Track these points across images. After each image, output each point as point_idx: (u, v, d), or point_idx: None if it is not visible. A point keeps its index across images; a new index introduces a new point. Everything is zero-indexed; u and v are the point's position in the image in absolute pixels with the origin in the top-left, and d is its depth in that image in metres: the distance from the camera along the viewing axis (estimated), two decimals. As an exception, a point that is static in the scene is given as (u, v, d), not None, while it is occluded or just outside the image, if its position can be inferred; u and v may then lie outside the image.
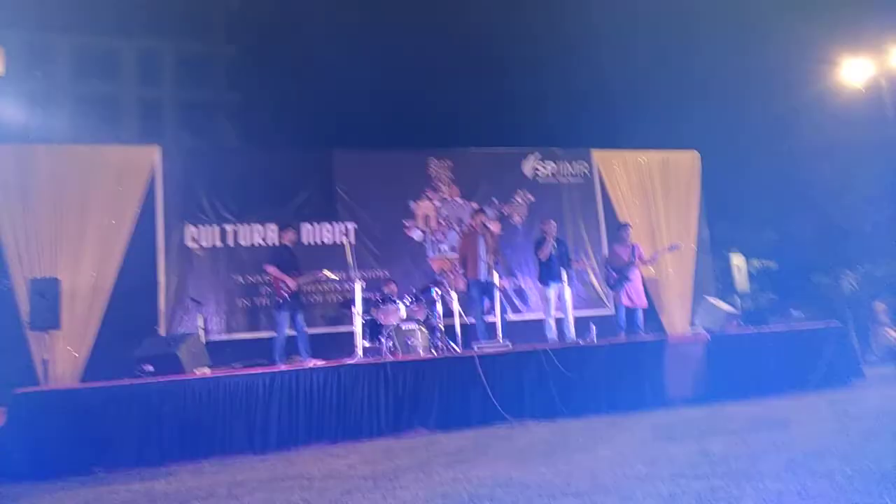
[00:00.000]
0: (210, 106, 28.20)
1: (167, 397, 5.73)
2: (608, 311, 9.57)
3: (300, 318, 7.67)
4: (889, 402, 6.28)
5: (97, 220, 8.08)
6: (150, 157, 8.61)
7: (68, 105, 26.23)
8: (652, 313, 9.77)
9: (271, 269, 7.59)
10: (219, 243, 8.70)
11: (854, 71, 11.82)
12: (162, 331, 8.08)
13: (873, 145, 13.02)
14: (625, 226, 9.06)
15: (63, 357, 7.58)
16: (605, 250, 9.70)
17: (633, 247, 8.76)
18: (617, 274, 8.62)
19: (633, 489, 3.32)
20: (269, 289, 8.34)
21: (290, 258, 7.69)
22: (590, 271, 9.88)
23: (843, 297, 12.61)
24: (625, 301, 8.56)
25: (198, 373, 6.26)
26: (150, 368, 6.19)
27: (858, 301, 12.46)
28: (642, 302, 8.58)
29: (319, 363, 6.54)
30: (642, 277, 8.77)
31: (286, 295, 7.50)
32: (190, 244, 8.58)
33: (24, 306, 7.34)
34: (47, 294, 7.03)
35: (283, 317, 7.55)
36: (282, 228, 8.01)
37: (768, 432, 4.83)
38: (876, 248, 13.61)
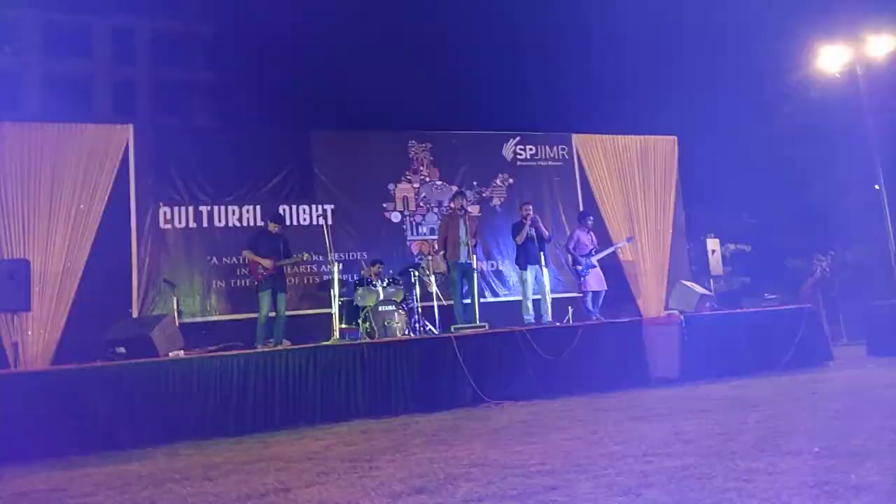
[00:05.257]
0: (185, 85, 27.64)
1: (141, 380, 5.66)
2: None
3: (281, 300, 7.63)
4: (856, 382, 6.42)
5: (68, 200, 7.91)
6: (123, 136, 8.43)
7: (39, 82, 25.56)
8: (628, 296, 9.88)
9: (247, 254, 7.64)
10: (193, 224, 8.57)
11: (830, 58, 11.93)
12: (135, 313, 7.97)
13: (848, 132, 13.21)
14: (587, 214, 9.28)
15: (34, 339, 7.45)
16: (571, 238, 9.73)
17: (592, 234, 9.01)
18: (584, 260, 8.78)
19: (606, 468, 3.36)
20: (246, 271, 8.30)
21: (268, 243, 7.64)
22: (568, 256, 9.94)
23: (816, 281, 12.85)
24: (592, 286, 8.73)
25: (172, 355, 6.19)
26: (123, 351, 6.10)
27: (830, 284, 12.72)
28: (604, 285, 8.80)
29: (291, 346, 6.51)
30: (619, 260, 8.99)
31: (263, 276, 7.49)
32: (163, 225, 8.44)
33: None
34: (17, 275, 6.87)
35: (264, 296, 7.51)
36: (270, 219, 7.96)
37: (740, 412, 4.91)
38: (848, 233, 13.88)
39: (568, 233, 9.97)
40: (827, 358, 7.86)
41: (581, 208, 10.18)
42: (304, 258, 7.79)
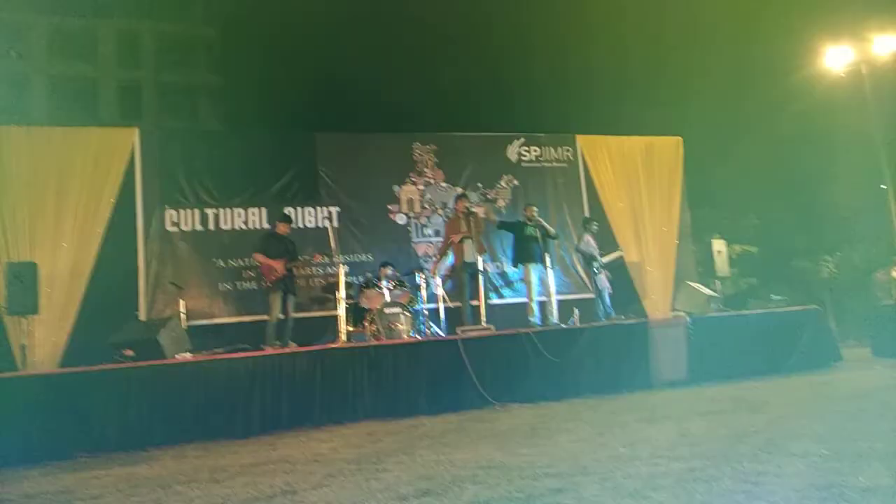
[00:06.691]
0: (190, 88, 27.75)
1: (148, 382, 5.69)
2: (591, 294, 9.62)
3: (290, 302, 7.66)
4: (864, 384, 6.39)
5: (75, 204, 7.93)
6: (129, 139, 8.45)
7: (45, 86, 25.71)
8: (634, 297, 9.86)
9: (259, 257, 7.64)
10: (199, 227, 8.59)
11: (835, 59, 11.89)
12: (142, 315, 7.99)
13: (853, 133, 13.17)
14: (591, 220, 9.42)
15: (42, 342, 7.46)
16: (582, 240, 9.77)
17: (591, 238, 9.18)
18: (595, 262, 8.91)
19: (613, 470, 3.35)
20: (253, 273, 8.32)
21: (278, 245, 7.67)
22: (574, 258, 9.95)
23: (822, 282, 12.80)
24: (604, 285, 8.89)
25: (179, 357, 6.21)
26: (130, 353, 6.12)
27: (836, 285, 12.67)
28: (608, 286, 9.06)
29: (297, 348, 6.52)
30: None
31: (275, 279, 7.52)
32: (170, 228, 8.46)
33: (0, 291, 7.20)
34: (25, 278, 6.90)
35: (275, 298, 7.54)
36: (279, 220, 8.01)
37: (747, 414, 4.90)
38: (854, 234, 13.82)
39: (574, 235, 9.98)
40: (836, 359, 7.82)
41: (586, 209, 10.16)
42: (322, 259, 7.82)
